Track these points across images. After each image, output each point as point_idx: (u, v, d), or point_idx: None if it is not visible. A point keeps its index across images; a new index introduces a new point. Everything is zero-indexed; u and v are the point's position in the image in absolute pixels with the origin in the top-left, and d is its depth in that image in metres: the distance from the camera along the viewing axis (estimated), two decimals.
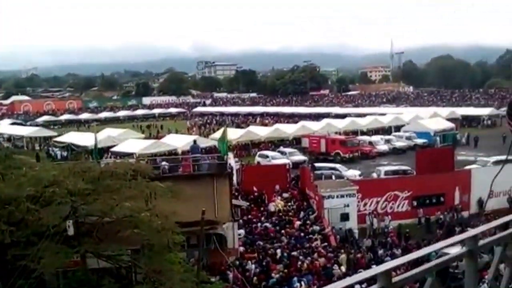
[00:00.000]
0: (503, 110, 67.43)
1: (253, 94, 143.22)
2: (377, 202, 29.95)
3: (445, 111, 72.31)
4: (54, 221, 14.22)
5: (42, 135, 64.69)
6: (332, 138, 50.94)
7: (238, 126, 73.21)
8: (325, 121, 65.04)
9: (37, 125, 79.23)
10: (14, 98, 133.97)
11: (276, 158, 44.80)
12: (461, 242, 2.94)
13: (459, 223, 28.27)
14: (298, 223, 27.58)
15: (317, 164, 40.38)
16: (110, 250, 15.61)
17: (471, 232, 2.91)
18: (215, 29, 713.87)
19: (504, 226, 3.09)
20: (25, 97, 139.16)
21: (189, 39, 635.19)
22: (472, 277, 2.96)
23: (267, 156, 45.83)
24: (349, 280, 2.59)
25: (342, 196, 27.72)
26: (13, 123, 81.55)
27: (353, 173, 38.45)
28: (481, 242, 2.91)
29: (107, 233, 15.48)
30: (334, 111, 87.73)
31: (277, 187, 32.18)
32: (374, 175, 37.46)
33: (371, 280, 2.64)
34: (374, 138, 54.22)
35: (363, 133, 59.35)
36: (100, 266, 15.91)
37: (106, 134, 52.09)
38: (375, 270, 2.63)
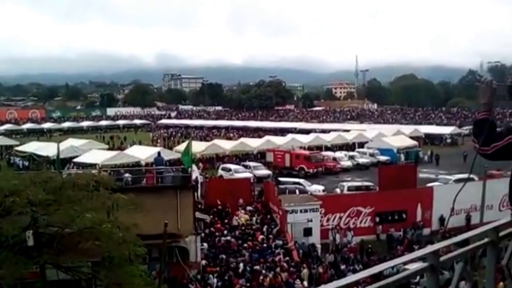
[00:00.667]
0: (465, 129, 69.83)
1: (219, 108, 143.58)
2: (340, 218, 30.24)
3: (408, 128, 73.89)
4: (13, 231, 13.90)
5: (3, 143, 63.55)
6: (296, 153, 51.42)
7: (203, 139, 73.11)
8: (290, 136, 65.57)
9: None
10: None
11: (239, 171, 44.82)
12: (422, 258, 2.94)
13: (418, 240, 28.86)
14: (261, 237, 27.61)
15: (281, 179, 40.74)
16: (70, 261, 15.36)
17: (433, 247, 2.90)
18: (179, 41, 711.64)
19: (464, 243, 3.10)
20: None
21: (152, 51, 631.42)
22: None
23: (229, 170, 45.82)
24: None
25: (305, 211, 27.94)
26: None
27: (316, 188, 38.90)
28: (442, 258, 2.91)
29: (68, 244, 15.21)
30: (299, 126, 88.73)
31: (241, 200, 32.16)
32: (338, 190, 37.88)
33: None
34: (338, 154, 55.04)
35: (327, 148, 60.09)
36: (59, 277, 15.60)
37: (69, 144, 51.36)
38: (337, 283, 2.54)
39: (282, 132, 78.10)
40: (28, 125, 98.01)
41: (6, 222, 13.94)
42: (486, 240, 3.16)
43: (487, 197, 28.95)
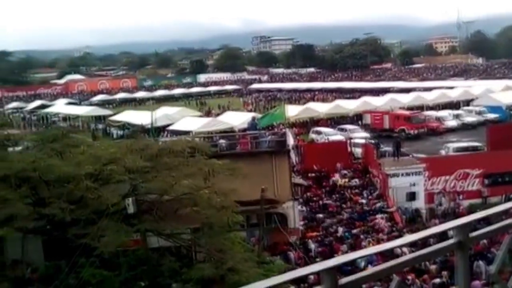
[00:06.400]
0: None
1: (311, 69, 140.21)
2: (446, 181, 28.36)
3: None
4: (113, 199, 14.08)
5: (98, 114, 64.94)
6: (396, 114, 48.92)
7: (296, 102, 72.04)
8: (388, 96, 62.63)
9: (92, 105, 79.25)
10: (68, 77, 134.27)
11: (330, 134, 43.66)
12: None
13: None
14: (361, 201, 26.65)
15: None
16: (169, 228, 15.38)
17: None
18: (264, 3, 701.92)
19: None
20: (79, 76, 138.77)
21: (237, 15, 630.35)
22: None
23: (321, 133, 44.78)
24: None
25: (408, 174, 26.44)
26: (68, 103, 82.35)
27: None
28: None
29: (167, 211, 15.23)
30: (398, 85, 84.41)
31: (339, 165, 31.19)
32: (442, 152, 35.83)
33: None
34: (442, 113, 51.84)
35: (429, 108, 56.71)
36: (160, 245, 15.76)
37: (162, 113, 51.63)
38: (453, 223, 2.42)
39: (380, 92, 74.68)
40: (121, 95, 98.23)
41: (106, 190, 14.15)
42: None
43: None
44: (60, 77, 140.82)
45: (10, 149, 18.06)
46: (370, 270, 2.37)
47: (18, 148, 18.44)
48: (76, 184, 13.93)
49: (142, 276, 14.96)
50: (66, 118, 65.57)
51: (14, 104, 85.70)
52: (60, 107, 74.80)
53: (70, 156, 15.41)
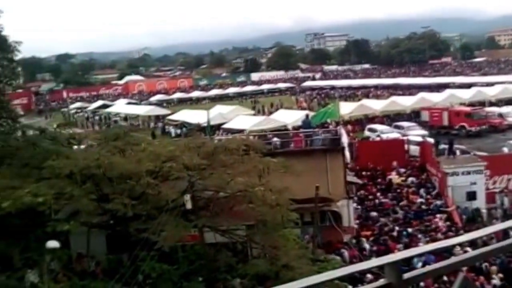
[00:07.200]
0: None
1: (366, 66, 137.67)
2: (509, 180, 27.30)
3: None
4: (172, 196, 14.62)
5: (156, 113, 66.75)
6: (456, 110, 47.28)
7: (350, 99, 71.07)
8: (447, 91, 60.52)
9: (150, 104, 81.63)
10: (128, 78, 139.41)
11: (385, 132, 42.81)
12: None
13: None
14: (418, 200, 26.10)
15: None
16: (225, 224, 15.76)
17: None
18: (315, 0, 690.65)
19: None
20: (139, 77, 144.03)
21: (289, 13, 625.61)
22: None
23: (376, 130, 44.00)
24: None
25: (468, 172, 25.64)
26: (128, 103, 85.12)
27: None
28: None
29: (222, 207, 15.64)
30: (458, 80, 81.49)
31: (395, 163, 30.64)
32: (505, 149, 34.31)
33: None
34: (505, 109, 49.51)
35: (491, 104, 54.51)
36: (216, 240, 16.16)
37: (217, 111, 52.75)
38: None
39: (438, 88, 72.37)
40: (178, 95, 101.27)
41: (165, 186, 14.69)
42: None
43: None
44: (120, 78, 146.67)
45: (75, 147, 19.08)
46: (433, 266, 2.39)
47: (82, 146, 19.45)
48: (137, 181, 14.55)
49: (199, 270, 15.42)
50: (126, 117, 67.92)
51: (78, 104, 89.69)
52: (121, 107, 77.63)
53: (131, 154, 16.10)
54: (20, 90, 78.34)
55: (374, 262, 2.25)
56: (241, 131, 40.28)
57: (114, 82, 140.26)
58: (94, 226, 15.53)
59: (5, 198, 13.69)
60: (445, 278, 15.04)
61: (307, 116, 30.95)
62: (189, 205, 15.25)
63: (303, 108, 63.55)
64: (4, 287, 14.13)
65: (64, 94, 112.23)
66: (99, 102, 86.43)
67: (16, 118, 20.77)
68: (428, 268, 2.35)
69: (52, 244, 13.76)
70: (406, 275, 2.18)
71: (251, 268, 14.39)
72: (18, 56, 21.65)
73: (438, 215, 23.85)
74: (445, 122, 46.30)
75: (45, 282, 13.88)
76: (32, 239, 15.01)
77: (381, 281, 2.15)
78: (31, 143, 17.87)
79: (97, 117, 73.38)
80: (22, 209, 13.73)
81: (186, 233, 14.99)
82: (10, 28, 19.50)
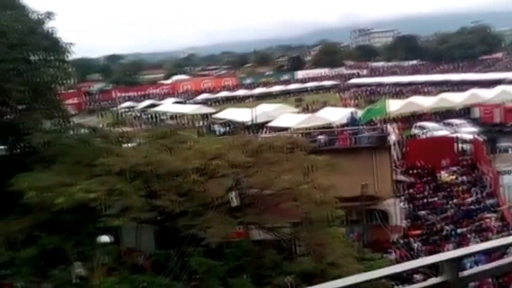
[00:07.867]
0: None
1: (414, 62, 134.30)
2: None
3: None
4: (218, 193, 14.80)
5: (202, 112, 67.58)
6: (508, 107, 45.56)
7: (398, 96, 69.60)
8: (499, 88, 58.40)
9: (196, 103, 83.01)
10: (174, 78, 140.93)
11: (435, 129, 41.64)
12: None
13: None
14: (469, 199, 25.30)
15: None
16: (270, 222, 15.79)
17: None
18: None
19: None
20: (185, 77, 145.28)
21: (335, 9, 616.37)
22: None
23: (424, 128, 42.89)
24: None
25: None
26: (175, 102, 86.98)
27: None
28: None
29: (267, 205, 15.68)
30: (510, 76, 78.43)
31: (444, 162, 29.78)
32: None
33: None
34: None
35: None
36: (261, 237, 16.22)
37: (262, 110, 52.72)
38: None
39: (490, 84, 69.86)
40: (223, 93, 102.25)
41: (212, 184, 14.87)
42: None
43: None
44: (167, 77, 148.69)
45: (125, 145, 19.58)
46: (490, 265, 2.35)
47: (132, 144, 19.94)
48: (184, 178, 14.80)
49: (245, 267, 15.52)
50: (173, 116, 69.29)
51: (127, 104, 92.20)
52: (168, 106, 79.41)
53: (178, 152, 16.36)
54: (72, 90, 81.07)
55: (431, 259, 2.22)
56: (285, 129, 40.20)
57: (161, 81, 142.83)
58: (143, 222, 15.88)
59: (58, 195, 14.19)
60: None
61: (352, 113, 30.61)
62: (234, 202, 15.38)
63: (348, 106, 62.83)
64: (57, 280, 14.66)
65: (114, 94, 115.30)
66: (147, 102, 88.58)
67: (68, 117, 21.45)
68: (486, 266, 2.31)
69: (104, 238, 14.19)
70: (464, 273, 2.15)
71: (296, 265, 14.39)
72: (70, 57, 22.34)
73: (490, 214, 23.08)
74: (497, 119, 44.69)
75: (97, 276, 14.33)
76: (84, 234, 15.50)
77: (437, 279, 2.11)
78: (83, 142, 18.47)
79: (145, 116, 75.06)
80: (74, 205, 14.19)
81: (232, 230, 15.12)
82: (61, 29, 20.12)
